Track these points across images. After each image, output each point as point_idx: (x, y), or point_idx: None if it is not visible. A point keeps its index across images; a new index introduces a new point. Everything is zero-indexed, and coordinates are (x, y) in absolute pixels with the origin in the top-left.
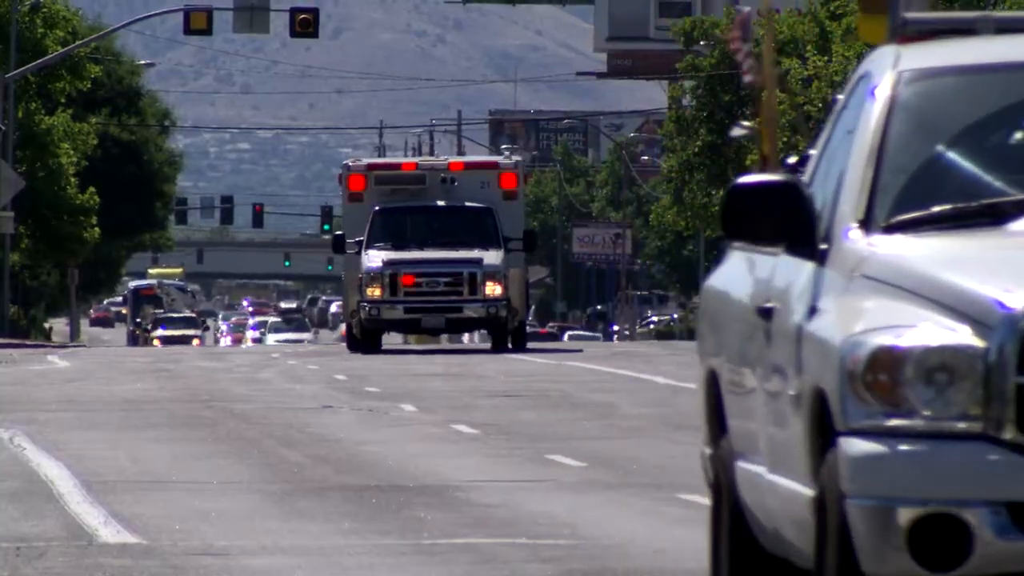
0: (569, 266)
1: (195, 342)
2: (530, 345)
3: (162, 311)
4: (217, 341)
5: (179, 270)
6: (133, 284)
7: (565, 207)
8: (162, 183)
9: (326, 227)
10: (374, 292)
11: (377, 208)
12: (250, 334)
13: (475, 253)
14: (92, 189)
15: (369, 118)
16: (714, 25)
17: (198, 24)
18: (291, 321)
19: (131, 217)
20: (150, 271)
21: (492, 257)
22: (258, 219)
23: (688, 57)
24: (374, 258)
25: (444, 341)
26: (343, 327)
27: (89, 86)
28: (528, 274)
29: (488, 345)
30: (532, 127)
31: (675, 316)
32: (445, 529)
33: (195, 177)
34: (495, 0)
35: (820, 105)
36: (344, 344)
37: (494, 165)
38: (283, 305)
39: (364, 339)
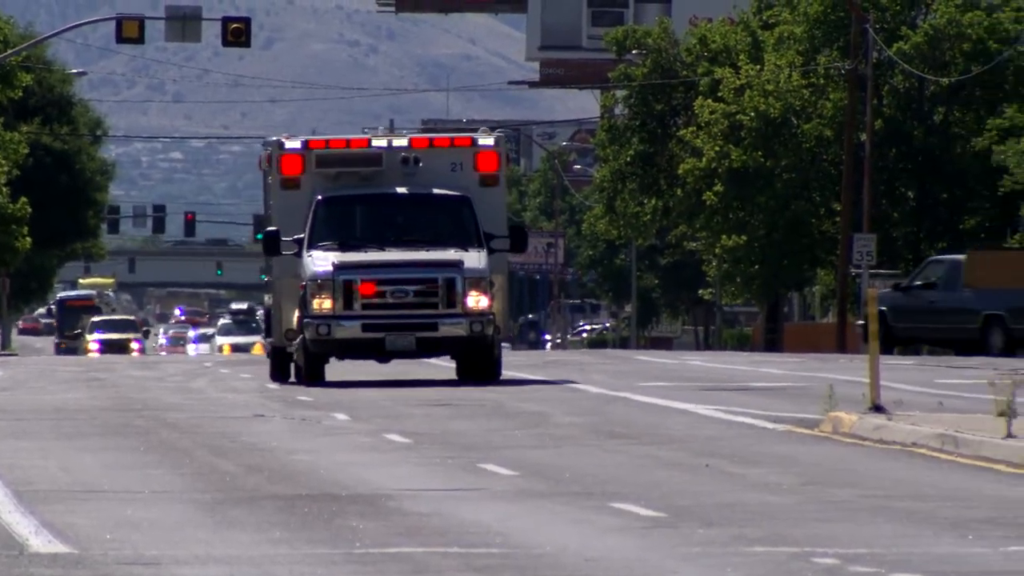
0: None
1: (135, 346)
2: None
3: (99, 317)
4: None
5: (111, 280)
6: (61, 295)
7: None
8: (94, 192)
9: (259, 236)
10: (322, 304)
11: (320, 197)
12: (191, 348)
13: (452, 254)
14: (24, 199)
15: (301, 127)
16: (647, 34)
17: (130, 33)
18: (242, 323)
19: (63, 226)
20: (81, 281)
21: (474, 259)
22: (190, 228)
23: (621, 66)
24: (321, 261)
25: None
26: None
27: (21, 95)
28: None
29: (452, 374)
30: None
31: (607, 325)
32: (377, 538)
33: (127, 186)
34: (428, 9)
35: (752, 114)
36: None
37: (469, 142)
38: (234, 306)
39: (307, 366)
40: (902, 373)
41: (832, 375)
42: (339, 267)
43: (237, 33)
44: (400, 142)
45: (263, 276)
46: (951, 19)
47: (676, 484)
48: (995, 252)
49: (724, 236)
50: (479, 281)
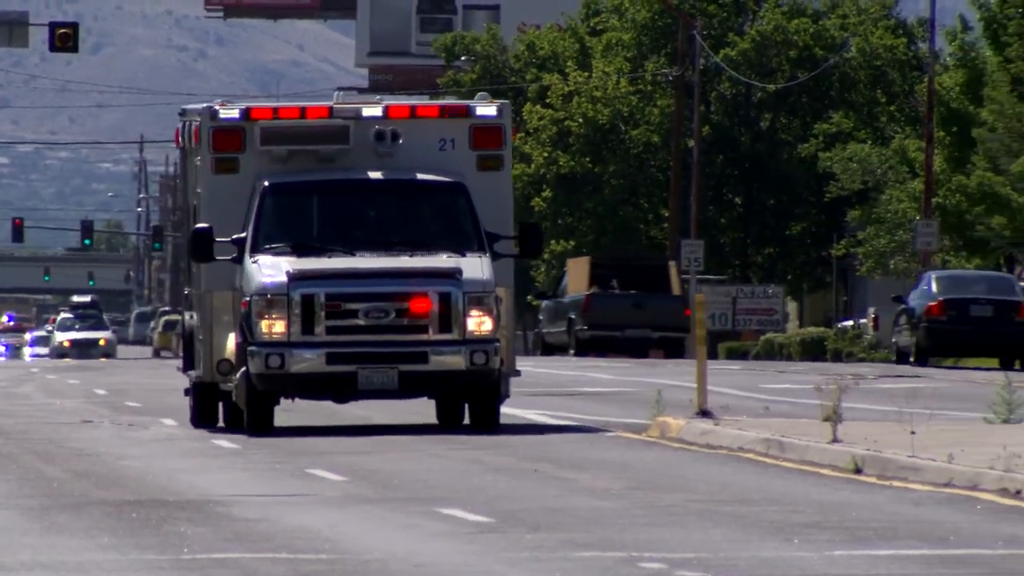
0: None
1: None
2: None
3: None
4: None
5: None
6: None
7: None
8: None
9: (87, 242)
10: (272, 328)
11: (267, 184)
12: (27, 351)
13: (446, 260)
14: None
15: (130, 132)
16: (475, 41)
17: None
18: (86, 318)
19: None
20: None
21: (475, 267)
22: (18, 234)
23: (449, 73)
24: (271, 269)
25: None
26: (186, 370)
27: None
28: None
29: (430, 419)
30: None
31: None
32: (205, 544)
33: None
34: (256, 15)
35: (581, 120)
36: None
37: (464, 111)
38: (75, 299)
39: (251, 410)
40: (729, 378)
41: (660, 380)
42: (296, 277)
43: (65, 38)
44: (373, 111)
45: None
46: (777, 26)
47: (503, 489)
48: (575, 259)
49: (553, 242)
50: (482, 297)
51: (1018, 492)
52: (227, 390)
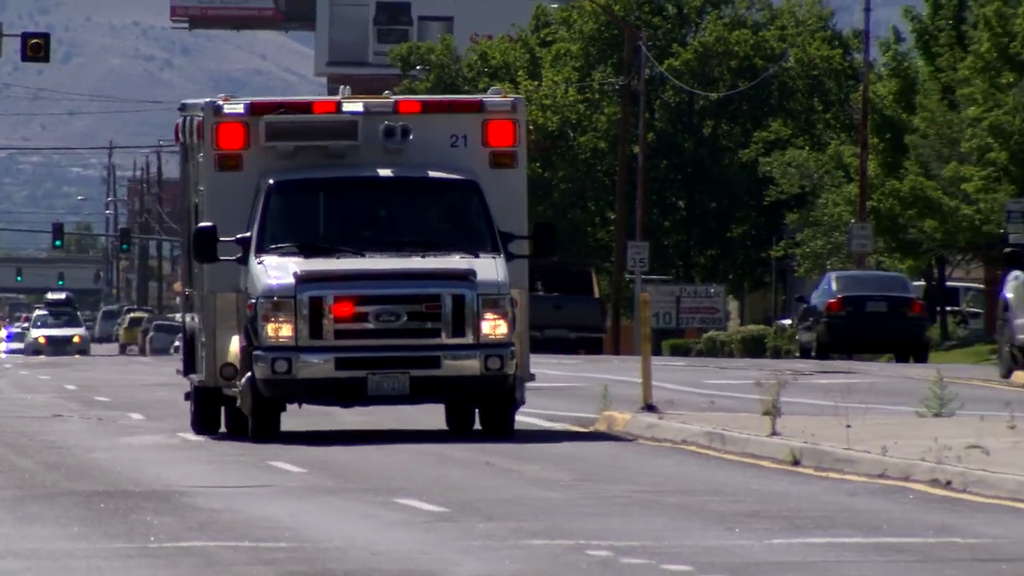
0: None
1: None
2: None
3: None
4: None
5: None
6: None
7: None
8: None
9: (57, 243)
10: (279, 331)
11: (273, 182)
12: (2, 347)
13: (459, 261)
14: None
15: (99, 139)
16: (430, 51)
17: None
18: (60, 315)
19: None
20: None
21: (489, 268)
22: None
23: (405, 81)
24: (277, 270)
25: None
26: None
27: None
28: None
29: (440, 424)
30: None
31: None
32: (171, 533)
33: None
34: (220, 26)
35: (532, 127)
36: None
37: (476, 106)
38: (51, 296)
39: (256, 416)
40: (673, 374)
41: (607, 376)
42: (303, 279)
43: (36, 48)
44: (383, 106)
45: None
46: (719, 37)
47: (458, 480)
48: None
49: None
50: (497, 299)
51: (948, 483)
52: (230, 395)
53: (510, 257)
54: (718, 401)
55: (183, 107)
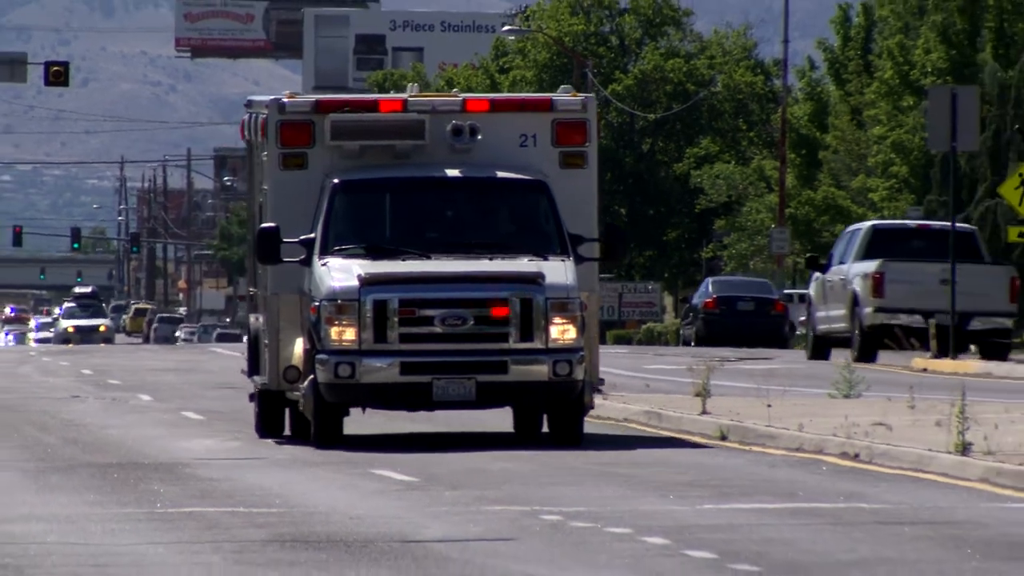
0: None
1: None
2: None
3: None
4: None
5: None
6: None
7: None
8: None
9: (75, 245)
10: (343, 335)
11: (337, 182)
12: (32, 336)
13: (527, 264)
14: None
15: (113, 154)
16: (403, 77)
17: None
18: (87, 307)
19: None
20: None
21: (559, 271)
22: (18, 239)
23: None
24: (341, 272)
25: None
26: (250, 385)
27: None
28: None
29: (507, 427)
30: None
31: None
32: (175, 500)
33: None
34: (219, 55)
35: None
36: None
37: (546, 105)
38: (78, 290)
39: (320, 421)
40: (616, 360)
41: None
42: (367, 281)
43: (57, 74)
44: (450, 105)
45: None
46: (656, 65)
47: (428, 454)
48: None
49: None
50: (566, 303)
51: (856, 455)
52: (293, 398)
53: (579, 260)
54: (655, 384)
55: (249, 104)
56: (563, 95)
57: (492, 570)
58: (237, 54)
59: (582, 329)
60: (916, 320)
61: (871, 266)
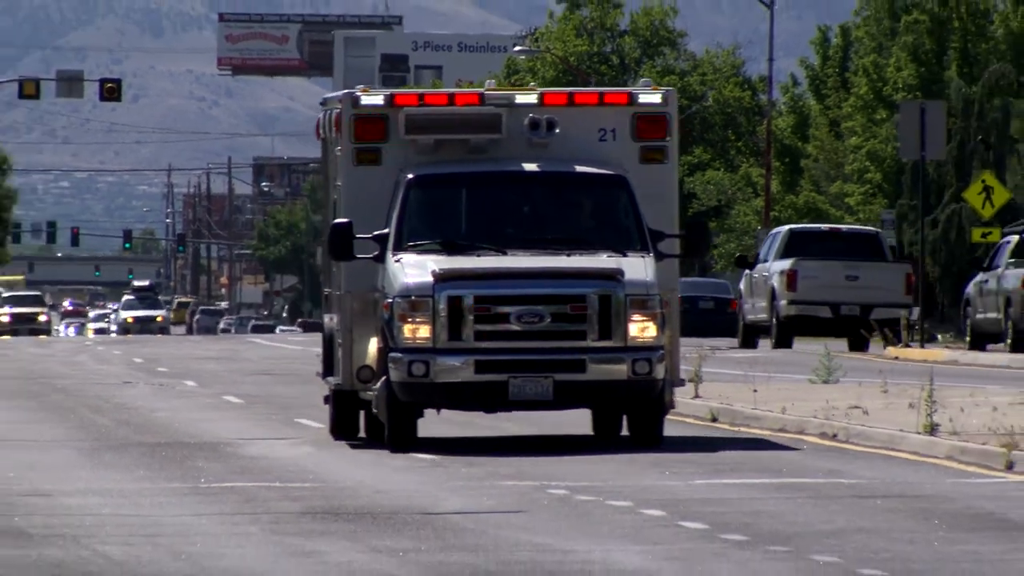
0: (314, 275)
1: (42, 317)
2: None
3: (9, 293)
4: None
5: (21, 277)
6: None
7: (311, 230)
8: (1, 212)
9: (127, 245)
10: (417, 332)
11: (412, 177)
12: (91, 327)
13: (605, 260)
14: None
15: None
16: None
17: (29, 91)
18: (145, 299)
19: None
20: None
21: (638, 267)
22: (75, 239)
23: None
24: (415, 269)
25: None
26: (324, 386)
27: None
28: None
29: (586, 429)
30: (286, 170)
31: None
32: (218, 475)
33: (26, 207)
34: (257, 73)
35: None
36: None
37: (625, 99)
38: (136, 283)
39: (393, 422)
40: None
41: None
42: (442, 278)
43: (111, 90)
44: (527, 99)
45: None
46: (654, 82)
47: (447, 437)
48: None
49: None
50: (646, 300)
51: (835, 435)
52: (368, 399)
53: (660, 256)
54: None
55: (324, 102)
56: (643, 89)
57: (504, 540)
58: (274, 72)
59: (662, 327)
60: (824, 311)
61: (786, 264)
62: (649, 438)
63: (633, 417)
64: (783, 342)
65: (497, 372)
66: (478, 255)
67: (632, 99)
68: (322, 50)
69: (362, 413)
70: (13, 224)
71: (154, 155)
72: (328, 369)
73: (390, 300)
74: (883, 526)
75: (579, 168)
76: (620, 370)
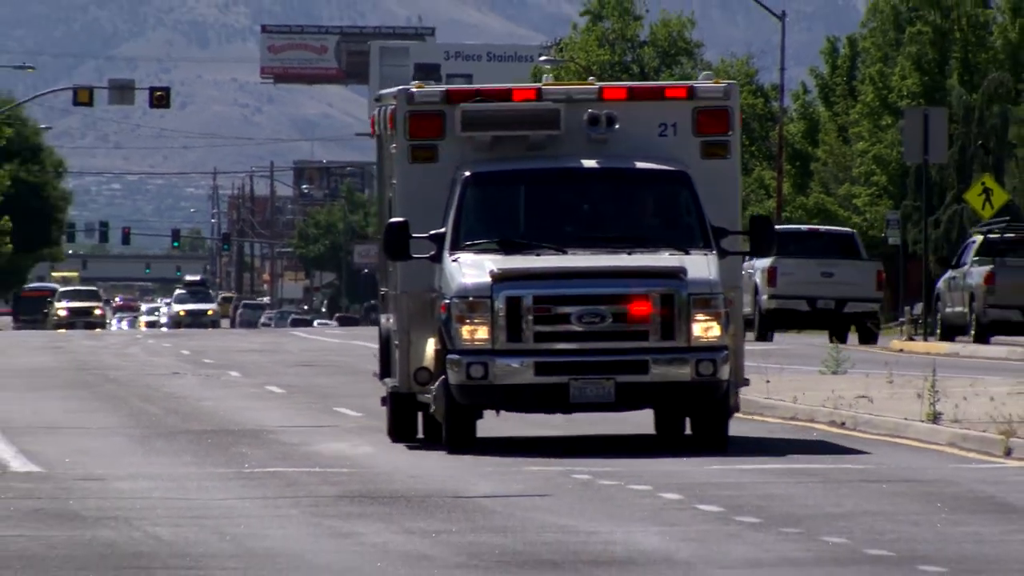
0: (351, 272)
1: (97, 311)
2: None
3: (67, 288)
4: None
5: (76, 274)
6: (31, 286)
7: (348, 230)
8: (57, 213)
9: (175, 244)
10: (475, 333)
11: (469, 174)
12: (143, 320)
13: (667, 258)
14: (7, 217)
15: (207, 166)
16: None
17: (83, 98)
18: (196, 293)
19: (35, 237)
20: (53, 274)
21: (701, 266)
22: (126, 239)
23: None
24: (472, 268)
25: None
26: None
27: (4, 143)
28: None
29: (648, 427)
30: (325, 173)
31: None
32: (261, 461)
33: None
34: (297, 81)
35: None
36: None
37: (685, 93)
38: (188, 278)
39: (451, 424)
40: None
41: None
42: (500, 277)
43: (160, 98)
44: (586, 93)
45: (178, 272)
46: None
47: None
48: None
49: None
50: (709, 299)
51: (843, 423)
52: (425, 401)
53: (723, 254)
54: None
55: (378, 98)
56: (705, 82)
57: (531, 522)
58: (313, 80)
59: (726, 326)
60: (802, 305)
61: (767, 262)
62: (714, 441)
63: (697, 419)
64: (764, 335)
65: (558, 374)
66: (537, 254)
67: (693, 93)
68: (359, 60)
69: (420, 414)
70: (68, 224)
71: (200, 159)
72: (385, 370)
73: (447, 301)
74: (889, 509)
75: (639, 164)
76: (684, 371)
